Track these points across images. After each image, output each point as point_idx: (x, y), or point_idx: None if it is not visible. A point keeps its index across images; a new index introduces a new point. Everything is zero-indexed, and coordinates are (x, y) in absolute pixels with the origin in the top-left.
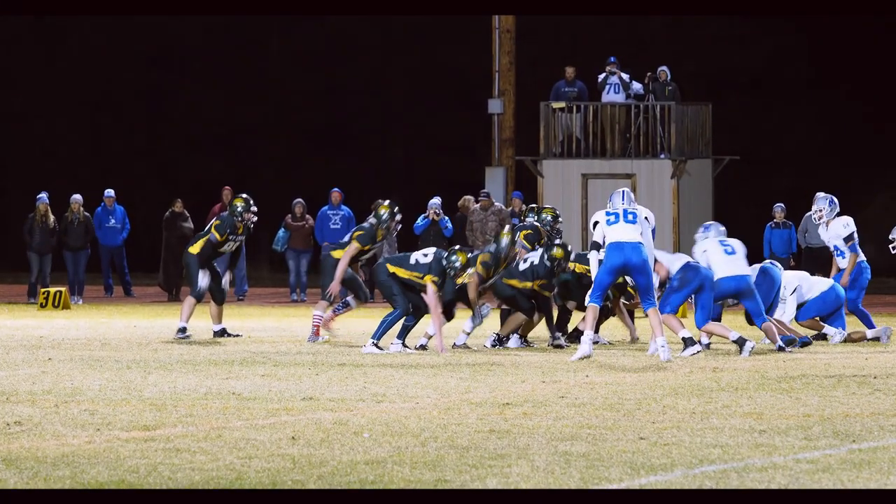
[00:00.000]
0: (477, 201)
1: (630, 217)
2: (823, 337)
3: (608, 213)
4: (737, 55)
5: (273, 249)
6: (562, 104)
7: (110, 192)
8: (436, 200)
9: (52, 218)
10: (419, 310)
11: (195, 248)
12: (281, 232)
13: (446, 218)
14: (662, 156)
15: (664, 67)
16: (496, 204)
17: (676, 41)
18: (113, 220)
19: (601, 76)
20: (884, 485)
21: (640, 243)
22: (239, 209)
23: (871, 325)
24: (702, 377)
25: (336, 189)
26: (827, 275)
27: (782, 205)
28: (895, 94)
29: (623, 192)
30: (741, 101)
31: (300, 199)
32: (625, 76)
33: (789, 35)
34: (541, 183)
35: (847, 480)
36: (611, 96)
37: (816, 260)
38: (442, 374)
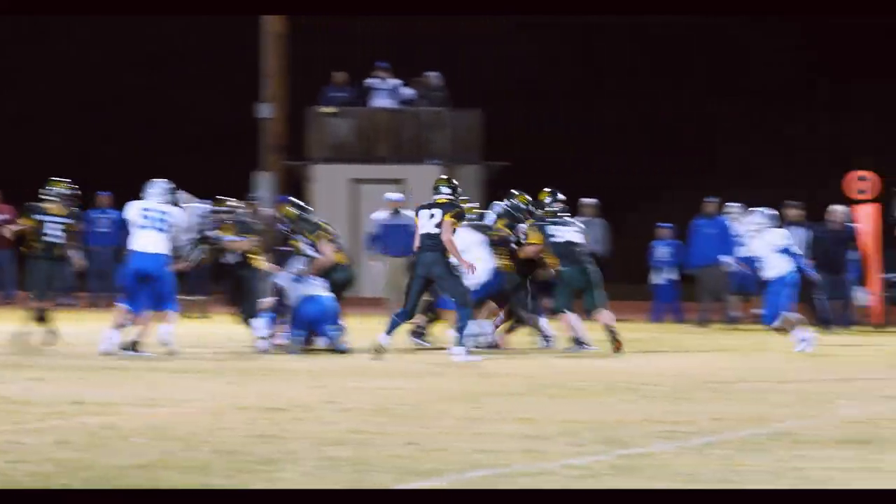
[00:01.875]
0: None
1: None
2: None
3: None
4: (508, 61)
5: None
6: (331, 109)
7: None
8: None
9: None
10: None
11: None
12: None
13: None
14: (432, 161)
15: (434, 72)
16: (263, 209)
17: (446, 47)
18: None
19: (371, 81)
20: (650, 490)
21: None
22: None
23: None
24: (473, 382)
25: (104, 192)
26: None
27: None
28: (661, 101)
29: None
30: (512, 106)
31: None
32: (395, 81)
33: (558, 41)
34: (309, 188)
35: (614, 486)
36: (381, 101)
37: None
38: (211, 378)
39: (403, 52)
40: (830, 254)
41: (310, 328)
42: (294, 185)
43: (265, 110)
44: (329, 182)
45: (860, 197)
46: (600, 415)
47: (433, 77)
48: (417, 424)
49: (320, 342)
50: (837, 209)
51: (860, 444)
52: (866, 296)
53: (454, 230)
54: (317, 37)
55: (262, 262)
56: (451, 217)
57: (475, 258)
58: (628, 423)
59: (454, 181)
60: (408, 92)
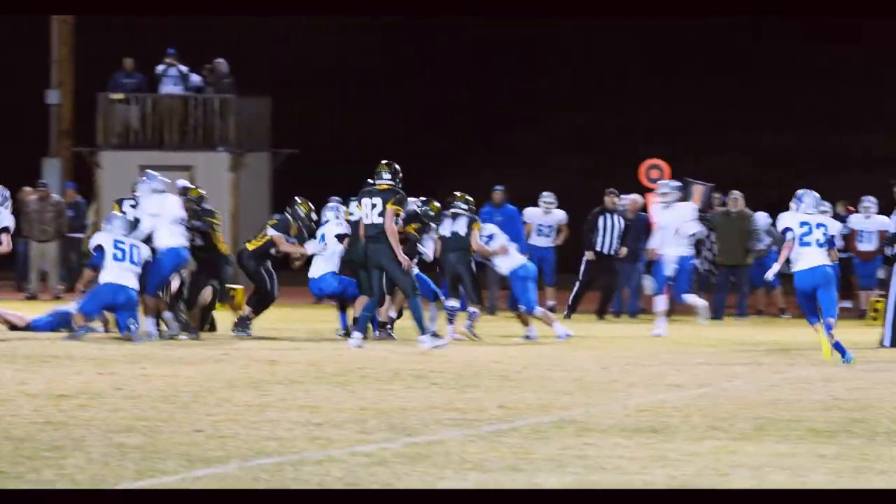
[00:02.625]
0: (34, 192)
1: None
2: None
3: None
4: (298, 49)
5: None
6: (120, 95)
7: None
8: None
9: None
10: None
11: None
12: None
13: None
14: (220, 148)
15: (221, 60)
16: (53, 195)
17: (235, 33)
18: None
19: (159, 68)
20: (438, 477)
21: None
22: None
23: None
24: (258, 370)
25: None
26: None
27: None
28: (446, 89)
29: None
30: (300, 94)
31: None
32: (183, 68)
33: (347, 31)
34: (99, 174)
35: (402, 473)
36: (169, 88)
37: None
38: None
39: (192, 39)
40: (625, 242)
41: (106, 311)
42: (84, 171)
43: (54, 96)
44: (118, 168)
45: (652, 186)
46: (387, 402)
47: (221, 64)
48: (205, 412)
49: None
50: (630, 198)
51: (647, 432)
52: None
53: (396, 218)
54: (107, 23)
55: None
56: (393, 205)
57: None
58: (415, 411)
59: (396, 165)
60: (196, 79)
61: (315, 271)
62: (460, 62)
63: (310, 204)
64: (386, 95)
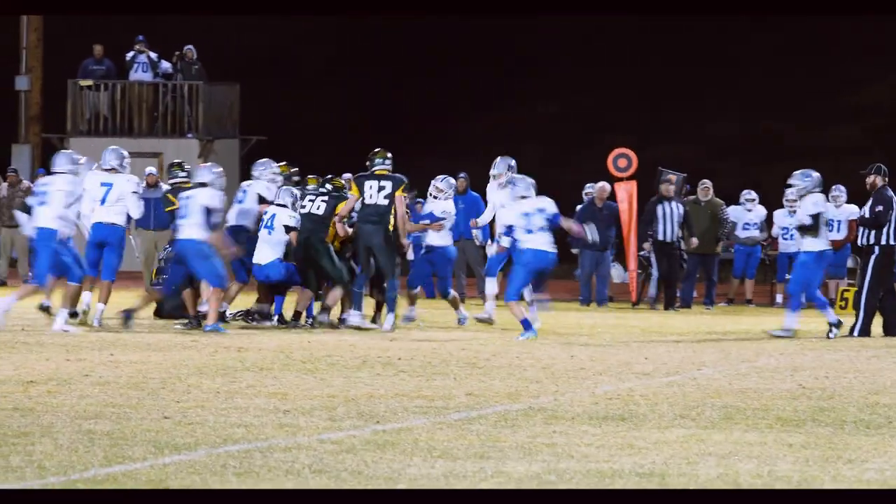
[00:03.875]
0: (4, 179)
1: None
2: None
3: None
4: (264, 36)
5: None
6: (89, 82)
7: None
8: None
9: None
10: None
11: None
12: None
13: None
14: (190, 135)
15: (190, 46)
16: (24, 181)
17: (203, 20)
18: None
19: (129, 54)
20: (406, 465)
21: None
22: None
23: None
24: (227, 357)
25: None
26: None
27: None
28: (404, 78)
29: None
30: (269, 81)
31: None
32: (152, 55)
33: (315, 18)
34: None
35: (371, 461)
36: (138, 75)
37: None
38: None
39: (162, 26)
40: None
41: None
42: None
43: (23, 82)
44: (87, 155)
45: (620, 175)
46: (356, 389)
47: (191, 51)
48: (173, 398)
49: None
50: (599, 186)
51: (615, 420)
52: (623, 273)
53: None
54: None
55: None
56: (403, 192)
57: None
58: (384, 398)
59: (389, 153)
60: (166, 66)
61: (261, 258)
62: (422, 51)
63: (318, 178)
64: (351, 84)
